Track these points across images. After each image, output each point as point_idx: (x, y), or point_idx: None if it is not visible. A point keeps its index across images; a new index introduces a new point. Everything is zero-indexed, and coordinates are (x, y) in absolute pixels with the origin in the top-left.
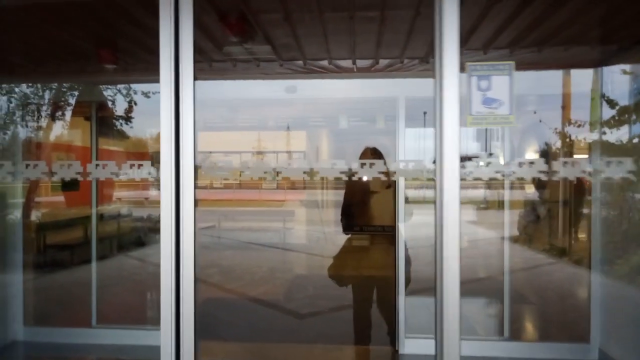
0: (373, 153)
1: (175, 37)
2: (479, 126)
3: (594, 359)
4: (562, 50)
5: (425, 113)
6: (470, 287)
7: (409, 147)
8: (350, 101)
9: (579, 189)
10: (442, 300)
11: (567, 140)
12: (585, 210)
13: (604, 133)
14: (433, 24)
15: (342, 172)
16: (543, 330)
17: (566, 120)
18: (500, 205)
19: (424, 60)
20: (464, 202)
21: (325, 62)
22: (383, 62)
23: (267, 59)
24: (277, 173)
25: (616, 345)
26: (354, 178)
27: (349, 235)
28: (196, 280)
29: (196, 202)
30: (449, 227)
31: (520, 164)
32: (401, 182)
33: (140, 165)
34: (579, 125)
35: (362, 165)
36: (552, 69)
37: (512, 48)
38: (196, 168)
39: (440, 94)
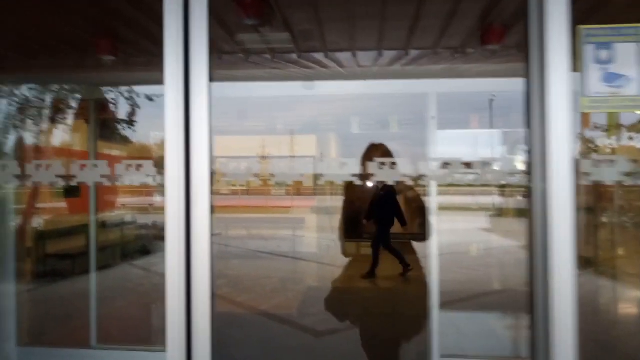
0: (385, 152)
1: (185, 26)
2: (598, 111)
3: None
4: None
5: (433, 117)
6: (493, 300)
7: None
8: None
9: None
10: (549, 319)
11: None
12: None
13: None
14: None
15: (404, 175)
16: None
17: (586, 125)
18: (511, 212)
19: (459, 50)
20: (474, 209)
21: (347, 55)
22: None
23: (284, 50)
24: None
25: None
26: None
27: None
28: (214, 295)
29: (212, 209)
30: (561, 236)
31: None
32: (433, 188)
33: (139, 167)
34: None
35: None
36: None
37: None
38: (212, 175)
39: (540, 83)
